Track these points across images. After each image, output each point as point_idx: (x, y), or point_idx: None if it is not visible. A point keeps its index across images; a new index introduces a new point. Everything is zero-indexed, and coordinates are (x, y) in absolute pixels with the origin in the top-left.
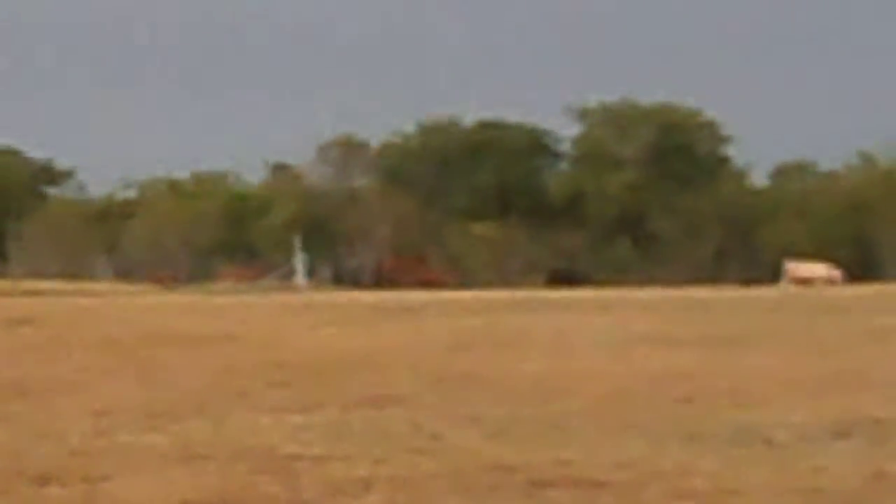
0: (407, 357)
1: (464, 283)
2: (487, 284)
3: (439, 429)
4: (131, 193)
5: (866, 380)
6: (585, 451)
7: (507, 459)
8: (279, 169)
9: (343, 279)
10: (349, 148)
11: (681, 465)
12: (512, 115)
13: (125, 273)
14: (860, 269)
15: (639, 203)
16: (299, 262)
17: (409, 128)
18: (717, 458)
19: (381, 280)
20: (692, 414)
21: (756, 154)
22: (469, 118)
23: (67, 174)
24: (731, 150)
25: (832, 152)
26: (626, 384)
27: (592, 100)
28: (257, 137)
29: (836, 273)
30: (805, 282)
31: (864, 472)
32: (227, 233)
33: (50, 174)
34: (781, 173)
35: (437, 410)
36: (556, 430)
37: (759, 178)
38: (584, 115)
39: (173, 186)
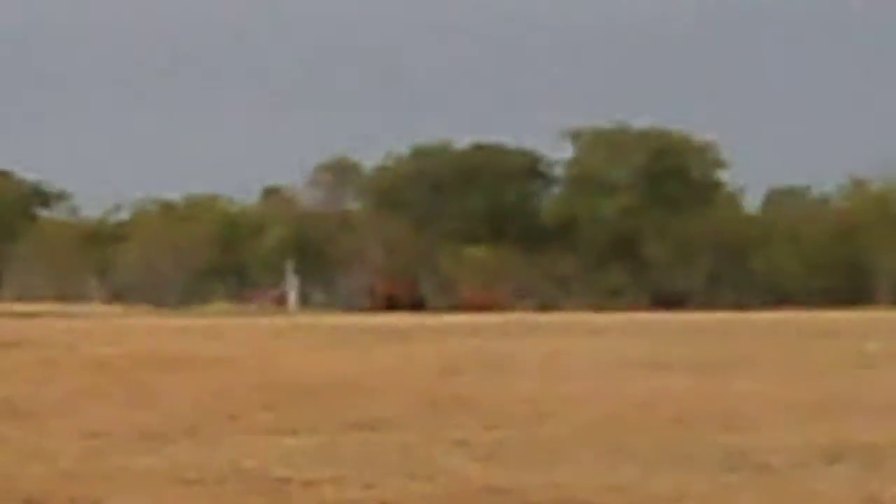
0: (398, 380)
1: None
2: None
3: (430, 452)
4: (124, 215)
5: (858, 404)
6: (577, 474)
7: (499, 483)
8: (271, 192)
9: (336, 303)
10: (342, 171)
11: (673, 489)
12: (506, 139)
13: (118, 295)
14: (851, 294)
15: (632, 227)
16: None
17: (403, 151)
18: (708, 483)
19: (375, 304)
20: (684, 438)
21: (749, 178)
22: (462, 141)
23: (60, 196)
24: (724, 175)
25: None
26: (617, 408)
27: (585, 123)
28: (249, 160)
29: None
30: None
31: (857, 497)
32: (219, 255)
33: (42, 196)
34: (773, 198)
35: (428, 434)
36: (548, 453)
37: (751, 203)
38: (576, 138)
39: (165, 208)
